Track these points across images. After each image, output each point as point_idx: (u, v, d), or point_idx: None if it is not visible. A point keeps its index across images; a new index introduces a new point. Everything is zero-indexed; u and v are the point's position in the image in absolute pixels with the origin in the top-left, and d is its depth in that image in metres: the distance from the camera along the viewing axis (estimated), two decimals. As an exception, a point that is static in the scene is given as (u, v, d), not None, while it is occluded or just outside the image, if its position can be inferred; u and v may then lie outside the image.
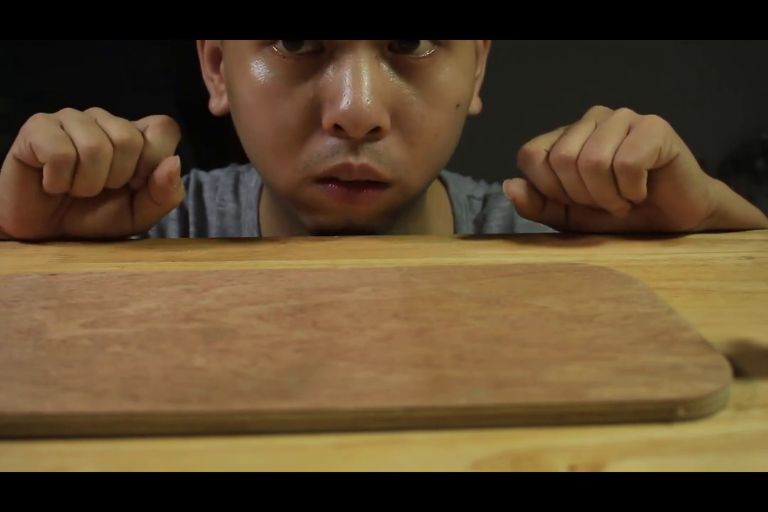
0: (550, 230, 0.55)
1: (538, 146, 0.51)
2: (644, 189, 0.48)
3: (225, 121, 0.63)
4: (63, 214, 0.51)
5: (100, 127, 0.49)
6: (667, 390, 0.28)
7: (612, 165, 0.48)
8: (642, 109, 0.51)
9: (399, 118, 0.52)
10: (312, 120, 0.52)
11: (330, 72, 0.51)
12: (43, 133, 0.48)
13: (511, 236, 0.54)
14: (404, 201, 0.56)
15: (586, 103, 0.55)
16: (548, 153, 0.50)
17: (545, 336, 0.33)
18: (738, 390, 0.30)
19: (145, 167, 0.50)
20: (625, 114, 0.51)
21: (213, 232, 0.70)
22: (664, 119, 0.50)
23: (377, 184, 0.53)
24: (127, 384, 0.29)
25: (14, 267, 0.47)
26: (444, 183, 0.70)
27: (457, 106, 0.54)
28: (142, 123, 0.52)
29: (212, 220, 0.70)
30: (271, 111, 0.52)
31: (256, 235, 0.68)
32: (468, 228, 0.69)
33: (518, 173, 0.53)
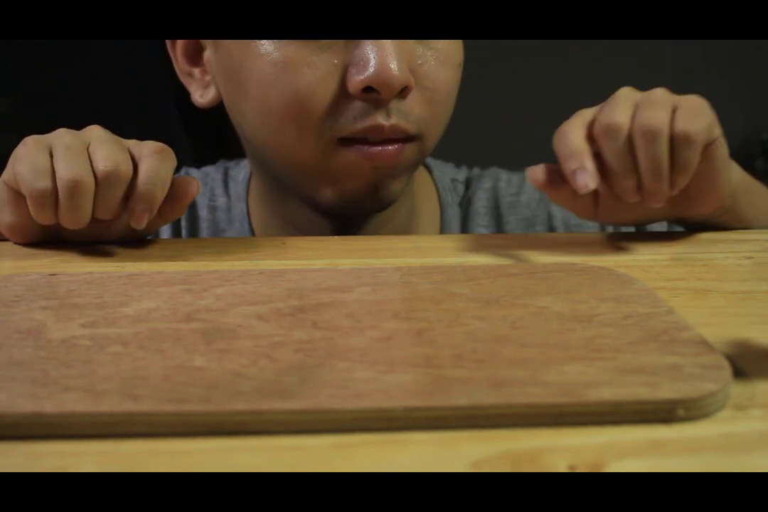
0: (533, 215, 0.55)
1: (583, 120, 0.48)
2: (695, 164, 0.46)
3: (225, 120, 0.63)
4: (58, 226, 0.51)
5: (88, 154, 0.48)
6: (666, 390, 0.28)
7: (671, 133, 0.45)
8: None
9: (418, 77, 0.54)
10: (338, 86, 0.53)
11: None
12: (27, 163, 0.47)
13: (511, 236, 0.54)
14: (421, 158, 0.58)
15: (586, 103, 0.55)
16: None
17: (545, 336, 0.33)
18: (737, 390, 0.30)
19: (137, 195, 0.48)
20: (664, 90, 0.49)
21: (204, 226, 0.70)
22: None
23: (403, 139, 0.55)
24: (127, 384, 0.29)
25: (14, 267, 0.47)
26: (428, 168, 0.71)
27: (459, 64, 0.57)
28: (137, 148, 0.49)
29: (203, 214, 0.71)
30: (293, 81, 0.53)
31: (246, 227, 0.68)
32: (453, 210, 0.70)
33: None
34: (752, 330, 0.36)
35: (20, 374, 0.30)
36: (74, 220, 0.48)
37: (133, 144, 0.50)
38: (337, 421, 0.27)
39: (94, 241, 0.52)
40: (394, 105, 0.53)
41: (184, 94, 0.65)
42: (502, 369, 0.30)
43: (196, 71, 0.62)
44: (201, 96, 0.62)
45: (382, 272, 0.42)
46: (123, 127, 0.56)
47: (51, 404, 0.27)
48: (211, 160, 0.77)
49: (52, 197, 0.47)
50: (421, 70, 0.54)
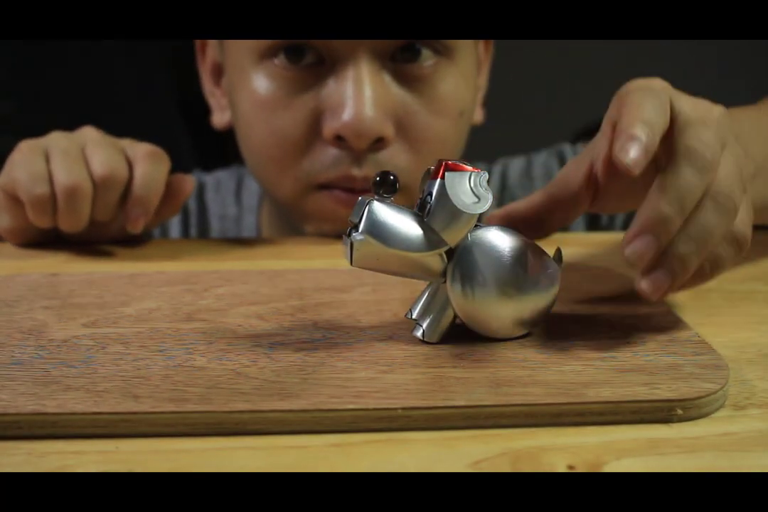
0: None
1: None
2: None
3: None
4: (56, 229, 0.51)
5: (84, 158, 0.48)
6: (665, 390, 0.28)
7: None
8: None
9: (404, 127, 0.52)
10: (312, 130, 0.52)
11: (331, 83, 0.51)
12: (24, 169, 0.47)
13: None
14: (410, 205, 0.55)
15: (585, 103, 0.55)
16: None
17: (544, 336, 0.33)
18: (736, 389, 0.30)
19: (133, 199, 0.48)
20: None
21: (214, 234, 0.70)
22: None
23: None
24: (127, 384, 0.29)
25: (16, 267, 0.47)
26: None
27: (461, 113, 0.54)
28: (131, 150, 0.50)
29: (213, 222, 0.70)
30: (270, 122, 0.52)
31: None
32: None
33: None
34: (751, 330, 0.36)
35: (22, 373, 0.30)
36: (73, 223, 0.48)
37: (127, 145, 0.50)
38: (337, 421, 0.27)
39: (91, 242, 0.52)
40: (371, 155, 0.51)
41: (186, 93, 0.65)
42: (502, 369, 0.30)
43: (218, 92, 0.62)
44: (219, 118, 0.62)
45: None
46: (125, 129, 0.56)
47: (52, 403, 0.27)
48: (212, 161, 0.77)
49: (50, 202, 0.47)
50: (407, 120, 0.52)
